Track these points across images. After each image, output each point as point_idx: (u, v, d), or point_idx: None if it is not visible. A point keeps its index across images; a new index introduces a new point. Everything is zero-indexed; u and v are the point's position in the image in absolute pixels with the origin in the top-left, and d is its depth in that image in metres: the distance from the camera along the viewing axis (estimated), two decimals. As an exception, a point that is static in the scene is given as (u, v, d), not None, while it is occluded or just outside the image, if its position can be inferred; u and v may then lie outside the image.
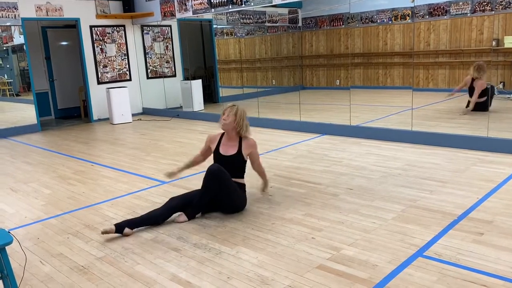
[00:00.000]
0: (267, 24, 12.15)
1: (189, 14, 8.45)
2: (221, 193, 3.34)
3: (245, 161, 3.58)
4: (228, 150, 3.54)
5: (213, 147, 3.63)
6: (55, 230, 3.40)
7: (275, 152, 5.53)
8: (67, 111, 10.32)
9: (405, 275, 2.42)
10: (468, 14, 9.91)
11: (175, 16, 8.79)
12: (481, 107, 7.26)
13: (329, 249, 2.78)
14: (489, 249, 2.65)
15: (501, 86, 9.12)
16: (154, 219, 3.30)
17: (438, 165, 4.52)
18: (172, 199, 3.45)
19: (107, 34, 9.32)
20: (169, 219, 3.39)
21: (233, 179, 3.42)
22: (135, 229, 3.24)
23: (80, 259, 2.88)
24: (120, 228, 3.17)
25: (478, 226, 2.99)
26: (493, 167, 4.32)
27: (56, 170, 5.33)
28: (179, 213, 3.42)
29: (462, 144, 5.13)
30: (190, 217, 3.38)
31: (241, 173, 3.55)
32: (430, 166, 4.48)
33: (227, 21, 11.25)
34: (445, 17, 10.26)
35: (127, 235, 3.17)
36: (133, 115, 9.33)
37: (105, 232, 3.13)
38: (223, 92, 11.14)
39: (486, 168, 4.31)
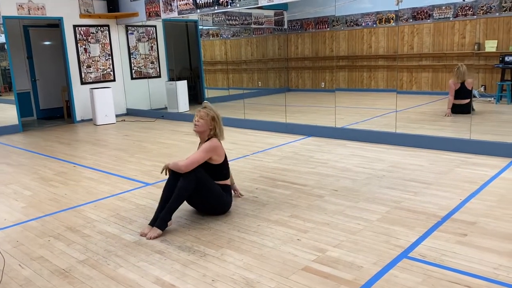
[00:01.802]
0: (253, 26, 12.15)
1: (174, 15, 8.40)
2: (201, 192, 3.25)
3: (216, 164, 3.39)
4: None
5: None
6: (36, 233, 3.33)
7: (261, 153, 5.51)
8: (50, 112, 10.15)
9: (390, 277, 2.42)
10: (451, 19, 10.06)
11: (160, 16, 8.73)
12: (464, 109, 7.37)
13: (315, 251, 2.77)
14: (472, 250, 2.67)
15: (482, 89, 9.27)
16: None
17: (422, 166, 4.56)
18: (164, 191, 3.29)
19: (91, 34, 9.19)
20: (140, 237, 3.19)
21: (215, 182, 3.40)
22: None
23: (61, 262, 2.82)
24: (161, 225, 3.15)
25: (462, 228, 3.01)
26: (476, 169, 4.37)
27: (37, 172, 5.23)
28: (147, 229, 3.18)
29: (446, 146, 5.18)
30: (163, 227, 3.14)
31: (218, 176, 3.41)
32: (414, 168, 4.52)
33: (212, 22, 11.21)
34: (428, 21, 10.40)
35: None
36: (117, 116, 9.22)
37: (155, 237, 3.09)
38: (208, 93, 11.09)
39: (469, 170, 4.36)
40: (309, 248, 2.81)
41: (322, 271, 2.51)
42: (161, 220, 3.15)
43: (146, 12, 8.98)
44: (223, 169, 3.46)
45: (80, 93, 9.10)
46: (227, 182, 3.51)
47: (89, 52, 9.18)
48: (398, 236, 2.93)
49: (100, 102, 8.71)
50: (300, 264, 2.61)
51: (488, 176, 4.14)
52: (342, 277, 2.44)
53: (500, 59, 8.97)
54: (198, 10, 7.97)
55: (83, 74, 9.13)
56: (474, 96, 7.55)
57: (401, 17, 10.79)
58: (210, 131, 3.42)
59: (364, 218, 3.26)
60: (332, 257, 2.68)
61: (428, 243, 2.80)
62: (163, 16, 8.66)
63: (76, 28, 8.94)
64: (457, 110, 7.49)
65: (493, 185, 3.89)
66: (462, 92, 7.43)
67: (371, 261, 2.60)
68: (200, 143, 3.51)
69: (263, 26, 12.36)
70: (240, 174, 4.55)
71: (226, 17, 11.34)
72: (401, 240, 2.87)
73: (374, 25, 11.27)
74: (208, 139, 3.42)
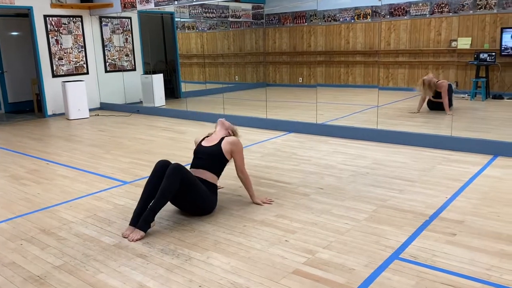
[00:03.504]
0: (230, 19, 11.98)
1: (151, 6, 8.15)
2: (185, 192, 3.12)
3: (223, 157, 3.38)
4: (210, 142, 3.48)
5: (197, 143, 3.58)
6: (7, 236, 3.12)
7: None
8: (19, 105, 9.74)
9: (383, 279, 2.36)
10: (427, 15, 10.16)
11: (136, 7, 8.46)
12: (440, 106, 7.43)
13: (304, 253, 2.68)
14: (463, 250, 2.64)
15: (454, 85, 9.41)
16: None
17: (405, 164, 4.54)
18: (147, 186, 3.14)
19: (63, 25, 8.83)
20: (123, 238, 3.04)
21: (206, 174, 3.30)
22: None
23: (36, 268, 2.64)
24: (144, 226, 3.00)
25: (450, 227, 2.99)
26: (459, 166, 4.38)
27: (7, 169, 4.96)
28: (129, 230, 3.03)
29: (427, 143, 5.19)
30: (145, 229, 2.99)
31: (215, 169, 3.36)
32: (397, 165, 4.49)
33: (189, 14, 10.99)
34: (405, 17, 10.47)
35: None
36: (90, 110, 8.91)
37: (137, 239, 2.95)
38: (185, 87, 10.88)
39: (452, 167, 4.37)
40: (298, 249, 2.73)
41: (313, 274, 2.43)
42: (143, 221, 3.00)
43: (121, 3, 8.69)
44: (223, 168, 3.48)
45: (51, 86, 8.74)
46: (216, 181, 3.41)
47: (61, 44, 8.83)
48: (387, 236, 2.88)
49: (72, 96, 8.39)
50: (290, 267, 2.52)
51: (471, 173, 4.15)
52: (335, 280, 2.37)
53: (475, 56, 9.12)
54: (176, 2, 7.76)
55: (54, 66, 8.77)
56: (452, 91, 7.61)
57: (380, 13, 10.83)
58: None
59: (351, 218, 3.20)
60: (322, 259, 2.60)
61: (418, 243, 2.76)
62: (139, 7, 8.40)
63: (47, 18, 8.56)
64: (434, 106, 7.55)
65: (476, 182, 3.89)
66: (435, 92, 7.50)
67: (362, 263, 2.53)
68: (209, 135, 3.59)
69: (240, 20, 12.20)
70: (222, 172, 4.42)
71: (203, 9, 11.13)
72: (390, 240, 2.82)
73: (352, 21, 11.28)
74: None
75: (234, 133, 3.65)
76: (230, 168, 4.40)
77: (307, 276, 2.42)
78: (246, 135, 6.30)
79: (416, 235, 2.87)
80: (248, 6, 12.25)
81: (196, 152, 3.48)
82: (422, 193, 3.65)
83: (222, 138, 3.46)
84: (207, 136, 3.61)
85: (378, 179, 4.06)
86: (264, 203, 3.52)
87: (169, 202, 3.28)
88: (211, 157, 3.37)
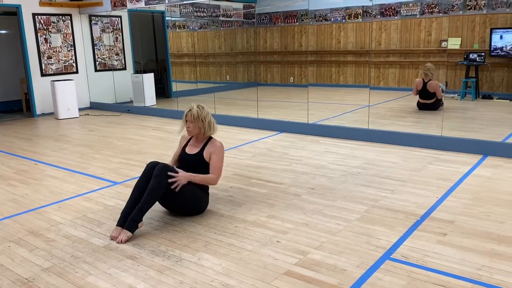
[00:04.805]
0: (221, 18, 11.94)
1: (141, 5, 8.09)
2: (175, 193, 3.09)
3: (206, 163, 3.36)
4: (193, 149, 3.39)
5: (182, 146, 3.49)
6: (-6, 238, 3.08)
7: (234, 150, 5.38)
8: (7, 105, 9.61)
9: (375, 280, 2.36)
10: (417, 16, 10.21)
11: (126, 6, 8.38)
12: (429, 107, 7.48)
13: (296, 253, 2.67)
14: (454, 250, 2.65)
15: (443, 87, 9.49)
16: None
17: (395, 163, 4.56)
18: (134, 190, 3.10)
19: (52, 23, 8.73)
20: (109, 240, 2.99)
21: None
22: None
23: (24, 270, 2.60)
24: (131, 226, 2.95)
25: (441, 227, 2.99)
26: (449, 166, 4.40)
27: (-6, 170, 4.90)
28: (116, 231, 2.97)
29: (418, 142, 5.22)
30: (133, 229, 2.95)
31: (204, 174, 3.35)
32: (388, 165, 4.50)
33: (180, 13, 10.93)
34: (396, 17, 10.51)
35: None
36: (80, 109, 8.83)
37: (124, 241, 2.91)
38: (176, 86, 10.82)
39: (442, 166, 4.39)
40: (290, 250, 2.72)
41: (305, 275, 2.42)
42: (131, 221, 2.96)
43: (111, 2, 8.60)
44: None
45: (40, 86, 8.63)
46: None
47: (50, 43, 8.73)
48: (378, 236, 2.88)
49: (62, 95, 8.30)
50: (281, 268, 2.50)
51: (461, 173, 4.18)
52: (326, 281, 2.36)
53: (465, 56, 9.19)
54: (167, 1, 7.71)
55: (43, 65, 8.67)
56: (442, 91, 7.67)
57: (370, 13, 10.87)
58: (203, 130, 3.36)
59: (343, 218, 3.20)
60: (314, 260, 2.59)
61: (409, 243, 2.76)
62: (130, 6, 8.33)
63: (36, 16, 8.46)
64: (423, 107, 7.60)
65: (466, 182, 3.91)
66: (424, 93, 7.53)
67: (354, 264, 2.53)
68: (192, 140, 3.45)
69: (231, 19, 12.17)
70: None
71: (194, 8, 11.08)
72: (382, 240, 2.82)
73: (343, 21, 11.30)
74: (210, 138, 3.40)
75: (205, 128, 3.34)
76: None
77: (299, 277, 2.41)
78: (237, 135, 6.29)
79: (408, 235, 2.88)
80: (239, 5, 12.22)
81: (181, 159, 3.42)
82: (413, 193, 3.66)
83: (205, 144, 3.35)
84: (191, 138, 3.48)
85: (369, 179, 4.07)
86: (175, 182, 3.09)
87: (159, 204, 3.27)
88: (196, 165, 3.31)
